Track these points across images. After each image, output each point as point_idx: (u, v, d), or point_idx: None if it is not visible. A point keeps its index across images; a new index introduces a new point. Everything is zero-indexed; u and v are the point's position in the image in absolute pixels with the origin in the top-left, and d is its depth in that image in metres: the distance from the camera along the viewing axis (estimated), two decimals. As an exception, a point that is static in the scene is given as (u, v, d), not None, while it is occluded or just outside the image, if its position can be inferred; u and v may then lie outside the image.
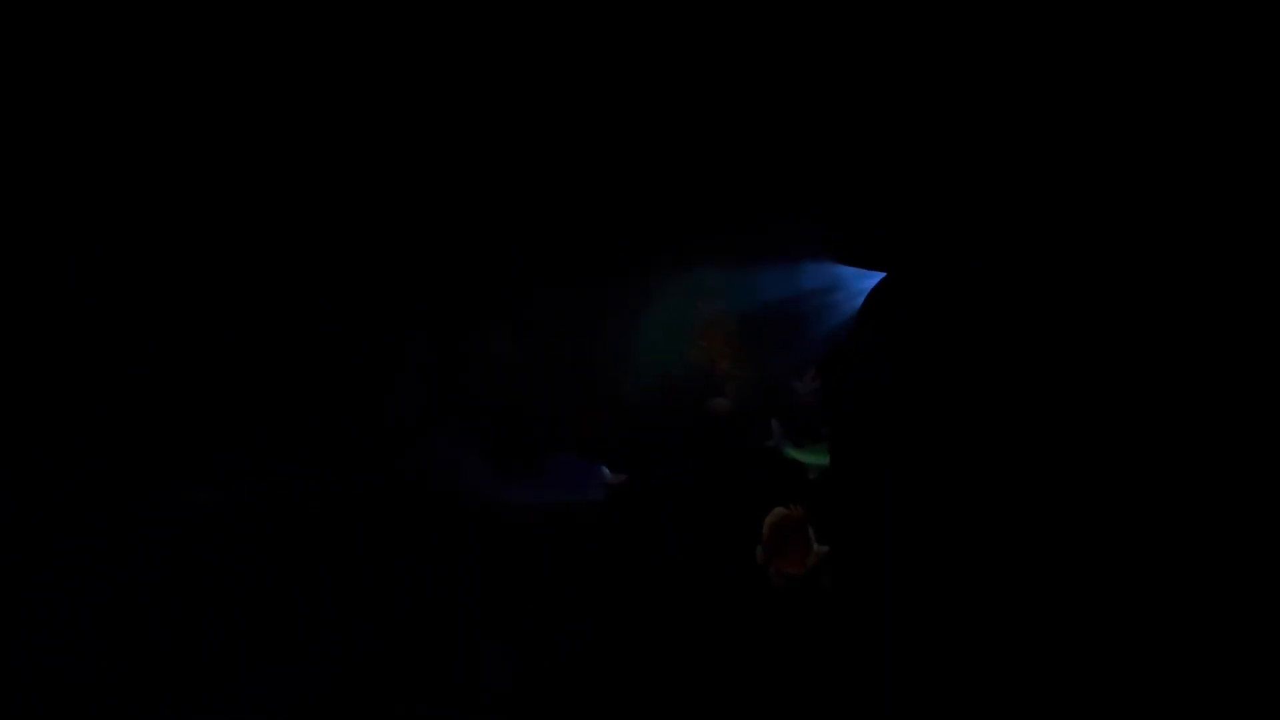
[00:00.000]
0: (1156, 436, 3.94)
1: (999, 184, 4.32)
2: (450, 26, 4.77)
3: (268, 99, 4.78)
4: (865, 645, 4.03)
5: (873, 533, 4.22)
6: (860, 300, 5.24)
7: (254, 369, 4.54)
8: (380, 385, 4.88)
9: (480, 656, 4.24)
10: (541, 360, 5.33)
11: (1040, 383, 4.19)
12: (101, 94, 4.56)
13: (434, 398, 5.21)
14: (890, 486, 4.18)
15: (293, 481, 4.39)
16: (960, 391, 4.30)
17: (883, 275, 5.15)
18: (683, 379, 5.37)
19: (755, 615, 4.31)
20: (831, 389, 5.09)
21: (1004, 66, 4.20)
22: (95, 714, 3.86)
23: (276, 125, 4.85)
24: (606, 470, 4.97)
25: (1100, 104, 4.11)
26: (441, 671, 4.18)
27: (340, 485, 4.48)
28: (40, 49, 4.42)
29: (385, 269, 5.18)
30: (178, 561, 4.12)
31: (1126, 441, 3.97)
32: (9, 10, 4.30)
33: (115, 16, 4.46)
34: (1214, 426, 3.88)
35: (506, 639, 4.27)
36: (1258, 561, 3.67)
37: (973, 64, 4.23)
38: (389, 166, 5.06)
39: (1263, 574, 3.64)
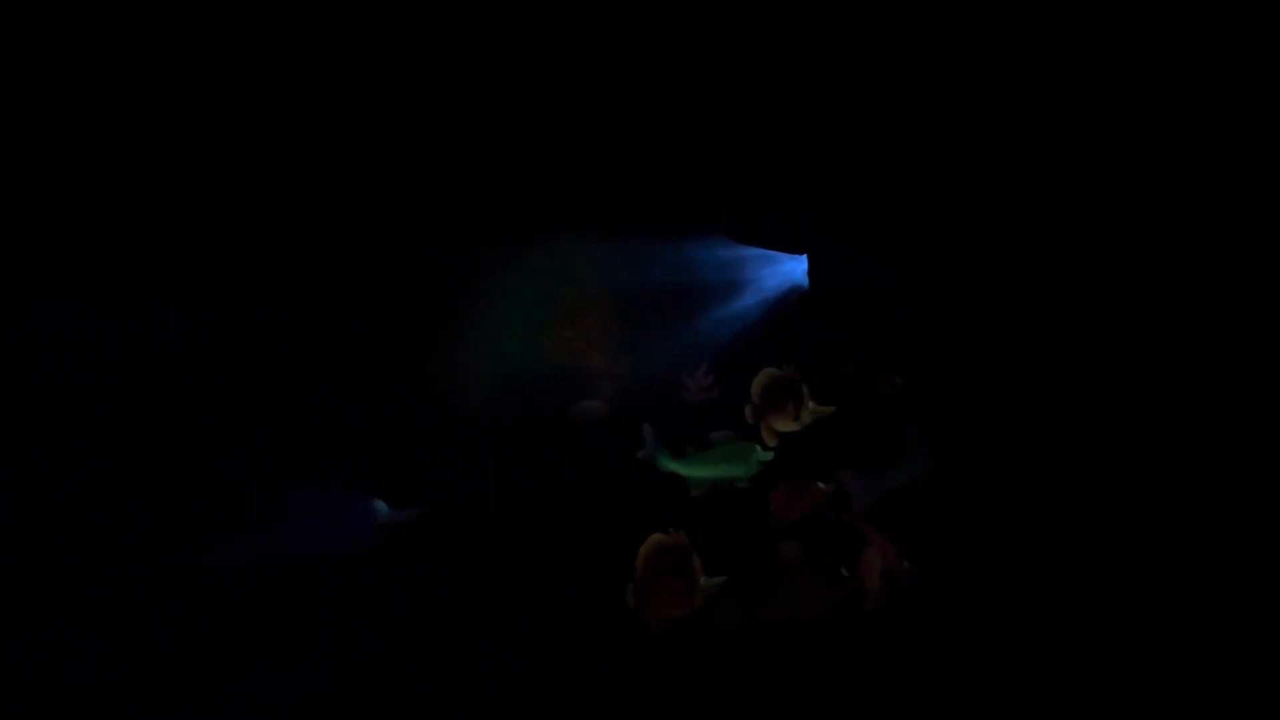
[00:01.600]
0: (1156, 438, 3.95)
1: (997, 185, 4.32)
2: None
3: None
4: (866, 644, 4.03)
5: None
6: (771, 285, 4.62)
7: (254, 369, 4.53)
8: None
9: (480, 656, 4.24)
10: (321, 354, 4.23)
11: (1040, 384, 4.20)
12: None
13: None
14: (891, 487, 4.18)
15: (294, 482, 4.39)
16: (960, 392, 4.30)
17: (798, 259, 4.52)
18: (542, 377, 4.40)
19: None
20: (728, 388, 4.25)
21: (995, 63, 4.21)
22: (95, 714, 3.86)
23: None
24: (382, 505, 4.00)
25: (1097, 103, 4.11)
26: (441, 671, 4.18)
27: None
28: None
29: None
30: (177, 561, 4.12)
31: (1129, 445, 3.98)
32: None
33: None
34: (1212, 423, 3.88)
35: (506, 639, 4.26)
36: (1259, 567, 3.67)
37: (968, 61, 4.24)
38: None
39: (1261, 582, 3.64)
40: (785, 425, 4.02)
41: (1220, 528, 3.77)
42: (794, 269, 4.65)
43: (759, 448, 4.04)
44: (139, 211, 4.12)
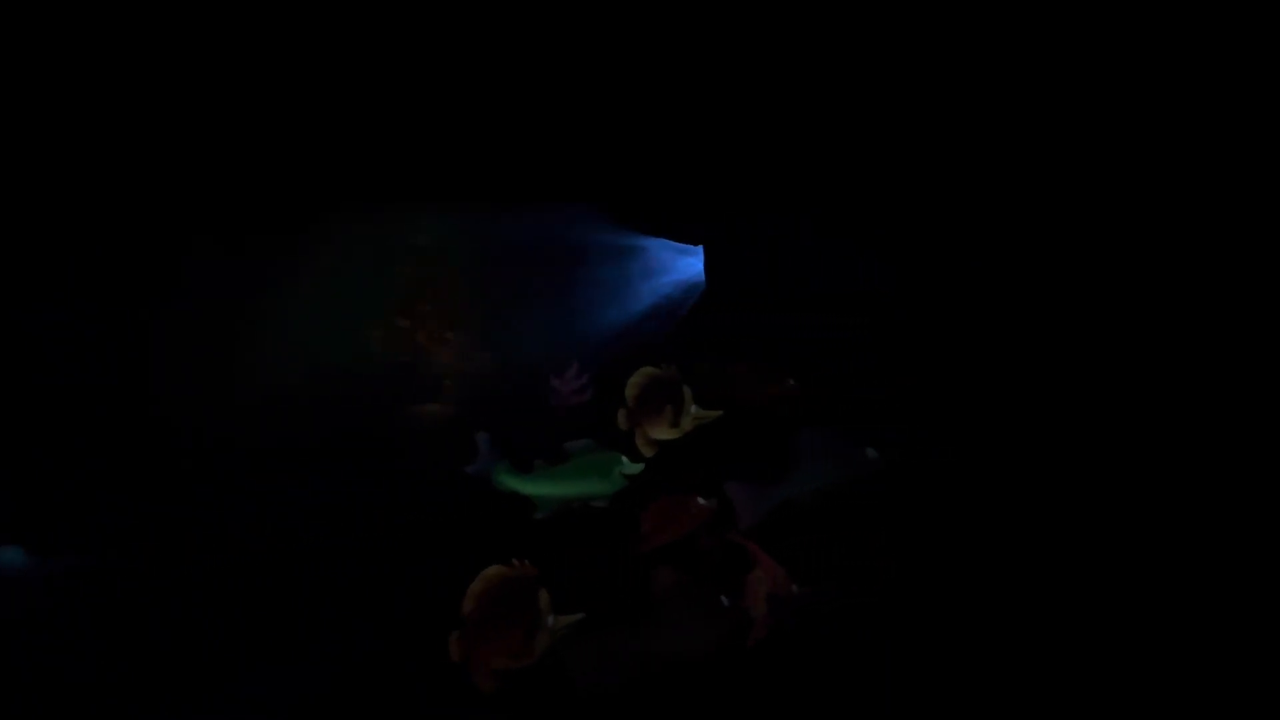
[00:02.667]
0: (1157, 439, 3.94)
1: (997, 185, 4.32)
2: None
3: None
4: (867, 648, 4.02)
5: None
6: (663, 278, 4.07)
7: (254, 368, 4.53)
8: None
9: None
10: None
11: (1041, 384, 4.19)
12: None
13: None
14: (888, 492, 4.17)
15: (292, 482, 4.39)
16: (960, 392, 4.30)
17: (694, 251, 4.01)
18: (372, 374, 3.74)
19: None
20: (605, 391, 3.60)
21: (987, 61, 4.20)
22: (95, 714, 3.86)
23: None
24: (17, 555, 3.15)
25: (1097, 103, 4.10)
26: (441, 672, 4.18)
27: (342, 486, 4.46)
28: None
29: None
30: (178, 561, 4.13)
31: (1130, 446, 3.97)
32: None
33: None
34: (1215, 426, 3.88)
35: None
36: (1259, 570, 3.67)
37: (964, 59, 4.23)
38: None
39: (1261, 587, 3.64)
40: (663, 432, 3.54)
41: (1221, 531, 3.77)
42: (691, 263, 4.14)
43: (624, 459, 3.53)
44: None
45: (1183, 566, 3.76)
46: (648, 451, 3.57)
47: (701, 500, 3.55)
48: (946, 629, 3.91)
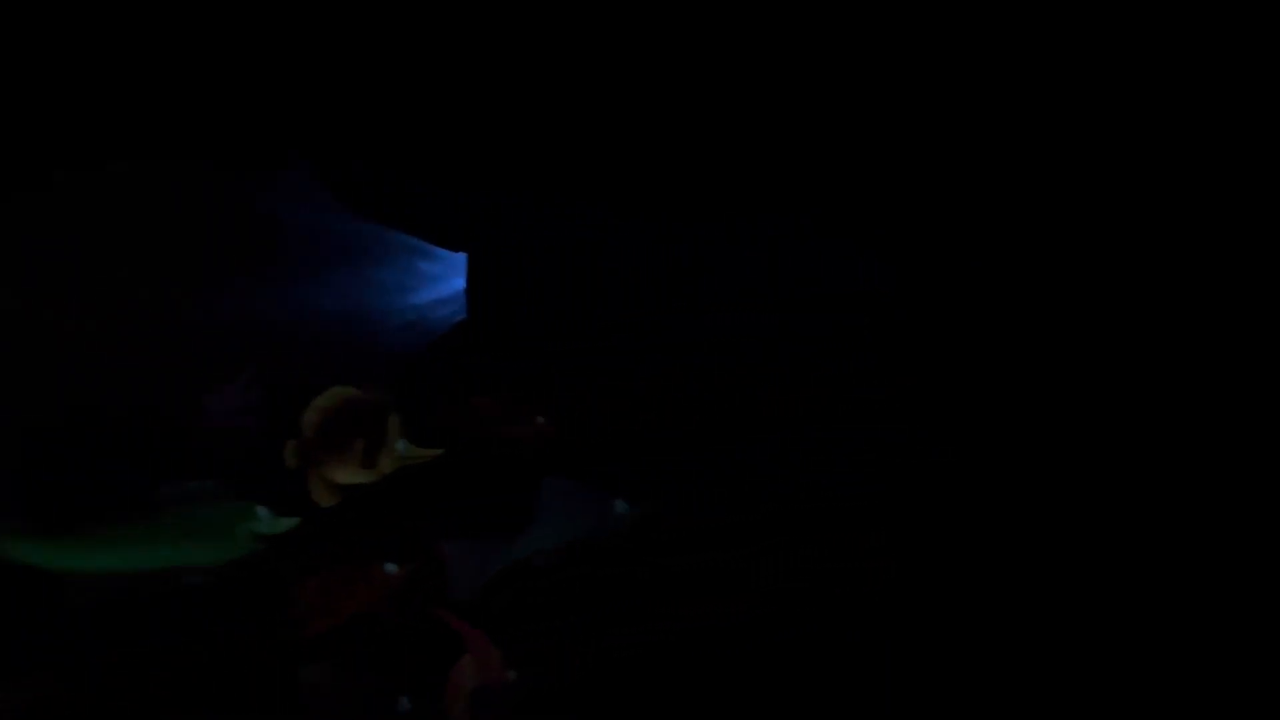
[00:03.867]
0: (1156, 439, 3.94)
1: (997, 185, 4.32)
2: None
3: None
4: (867, 648, 4.02)
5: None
6: (415, 290, 3.10)
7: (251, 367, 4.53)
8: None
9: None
10: None
11: (1041, 385, 4.19)
12: None
13: None
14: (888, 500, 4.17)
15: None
16: (960, 393, 4.30)
17: (453, 258, 3.11)
18: None
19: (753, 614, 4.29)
20: (281, 410, 2.66)
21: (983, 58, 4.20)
22: (95, 714, 3.85)
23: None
24: None
25: (1097, 103, 4.11)
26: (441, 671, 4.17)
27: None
28: None
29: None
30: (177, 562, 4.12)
31: (1132, 448, 3.97)
32: None
33: None
34: (1213, 425, 3.88)
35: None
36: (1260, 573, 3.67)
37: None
38: None
39: (1261, 588, 3.64)
40: (350, 475, 2.62)
41: (1222, 531, 3.77)
42: (445, 272, 3.08)
43: (261, 512, 2.60)
44: None
45: (1184, 566, 3.76)
46: (326, 500, 2.70)
47: (390, 567, 2.78)
48: (946, 629, 3.91)
